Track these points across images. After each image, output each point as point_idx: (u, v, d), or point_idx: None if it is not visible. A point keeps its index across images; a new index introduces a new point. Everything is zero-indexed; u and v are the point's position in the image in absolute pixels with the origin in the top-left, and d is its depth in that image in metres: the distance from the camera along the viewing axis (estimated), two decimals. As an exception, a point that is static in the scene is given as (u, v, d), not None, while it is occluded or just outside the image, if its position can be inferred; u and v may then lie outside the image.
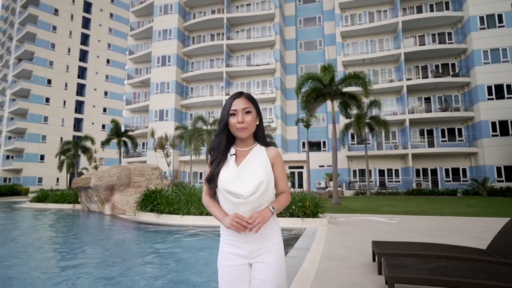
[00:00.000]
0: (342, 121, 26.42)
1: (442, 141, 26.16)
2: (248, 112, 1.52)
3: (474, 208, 12.08)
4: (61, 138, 42.83)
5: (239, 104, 1.52)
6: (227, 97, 31.65)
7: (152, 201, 10.30)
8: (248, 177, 1.49)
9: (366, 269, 3.86)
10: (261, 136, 1.61)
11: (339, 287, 3.21)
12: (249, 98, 1.56)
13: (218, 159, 1.56)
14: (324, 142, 30.94)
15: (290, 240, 5.93)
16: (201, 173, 30.90)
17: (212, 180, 1.55)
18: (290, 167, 28.12)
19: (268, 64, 30.77)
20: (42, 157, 41.98)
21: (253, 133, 1.59)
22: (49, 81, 43.55)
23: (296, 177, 28.27)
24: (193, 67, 33.91)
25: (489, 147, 23.04)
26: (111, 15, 51.62)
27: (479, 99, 23.85)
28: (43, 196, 17.27)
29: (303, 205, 8.26)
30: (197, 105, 32.50)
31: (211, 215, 7.51)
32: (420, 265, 2.93)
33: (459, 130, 25.88)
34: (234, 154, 1.57)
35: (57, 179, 41.86)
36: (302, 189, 18.15)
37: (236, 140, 1.60)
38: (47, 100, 43.22)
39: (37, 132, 41.90)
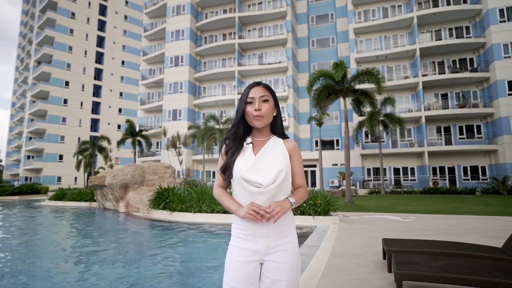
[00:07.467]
0: (356, 119, 26.05)
1: (460, 138, 25.40)
2: (266, 100, 1.48)
3: (493, 207, 11.69)
4: (79, 138, 43.99)
5: (257, 92, 1.48)
6: (239, 96, 32.11)
7: (164, 199, 10.44)
8: (267, 165, 1.44)
9: (375, 266, 3.80)
10: (278, 128, 1.56)
11: (347, 284, 3.17)
12: (267, 87, 1.52)
13: (233, 148, 1.50)
14: (337, 141, 30.59)
15: (300, 238, 5.80)
16: (213, 172, 31.10)
17: (227, 169, 1.49)
18: (303, 166, 27.93)
19: (280, 62, 30.65)
20: (60, 157, 43.21)
21: (270, 124, 1.55)
22: (67, 83, 44.76)
23: (309, 175, 28.08)
24: (206, 67, 34.14)
25: (510, 144, 22.21)
26: (126, 17, 52.56)
27: (499, 95, 23.03)
28: (61, 195, 17.78)
29: (314, 203, 8.20)
30: (209, 105, 32.72)
31: (222, 212, 7.51)
32: (430, 263, 2.86)
33: (478, 127, 25.06)
34: (250, 142, 1.52)
35: (75, 178, 43.04)
36: (314, 188, 18.01)
37: (252, 131, 1.56)
38: (65, 101, 44.44)
39: (56, 132, 43.15)
